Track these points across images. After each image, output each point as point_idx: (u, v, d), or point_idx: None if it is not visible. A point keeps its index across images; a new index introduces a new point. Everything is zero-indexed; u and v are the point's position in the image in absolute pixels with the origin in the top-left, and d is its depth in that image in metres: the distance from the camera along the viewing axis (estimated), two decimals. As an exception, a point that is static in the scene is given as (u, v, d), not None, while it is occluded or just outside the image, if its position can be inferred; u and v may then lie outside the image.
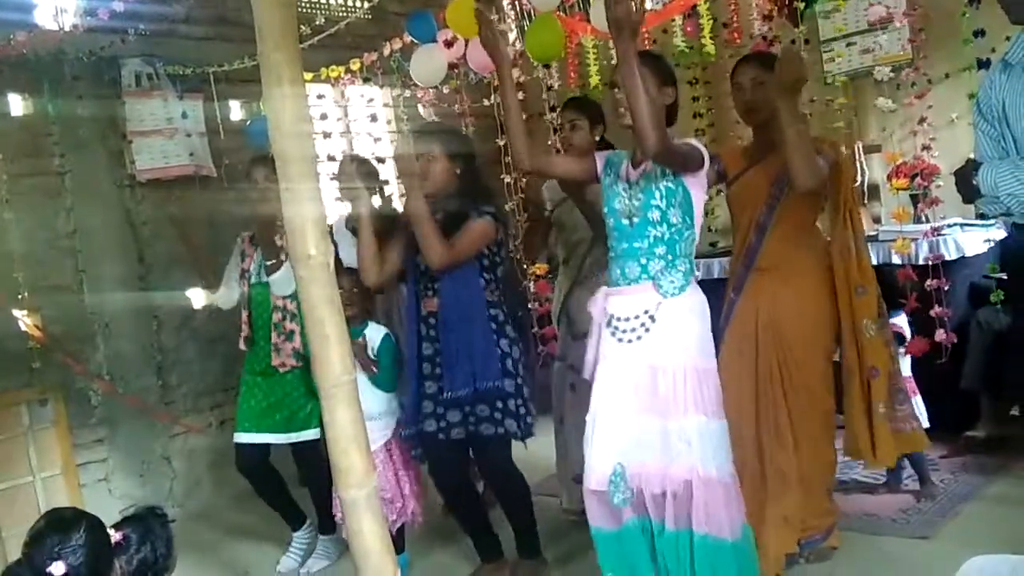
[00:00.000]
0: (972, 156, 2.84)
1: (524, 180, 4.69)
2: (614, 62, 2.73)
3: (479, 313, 3.28)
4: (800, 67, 2.97)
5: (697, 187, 2.82)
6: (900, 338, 3.75)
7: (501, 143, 5.09)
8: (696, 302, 2.83)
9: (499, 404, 3.26)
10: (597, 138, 3.68)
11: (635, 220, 2.81)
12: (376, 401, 3.50)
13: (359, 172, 4.28)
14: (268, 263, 3.89)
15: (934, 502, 3.68)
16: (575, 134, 3.70)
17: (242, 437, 3.89)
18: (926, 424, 3.74)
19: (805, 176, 2.96)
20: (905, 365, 3.79)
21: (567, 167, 3.17)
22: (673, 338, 2.76)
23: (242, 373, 4.04)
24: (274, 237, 3.78)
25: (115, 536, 1.92)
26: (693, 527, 2.72)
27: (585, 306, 3.04)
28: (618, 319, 2.83)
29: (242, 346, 3.98)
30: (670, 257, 2.80)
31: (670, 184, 2.78)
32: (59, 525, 1.86)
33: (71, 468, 4.51)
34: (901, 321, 3.76)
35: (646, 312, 2.78)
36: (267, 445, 3.90)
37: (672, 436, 2.71)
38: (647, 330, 2.77)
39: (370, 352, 3.54)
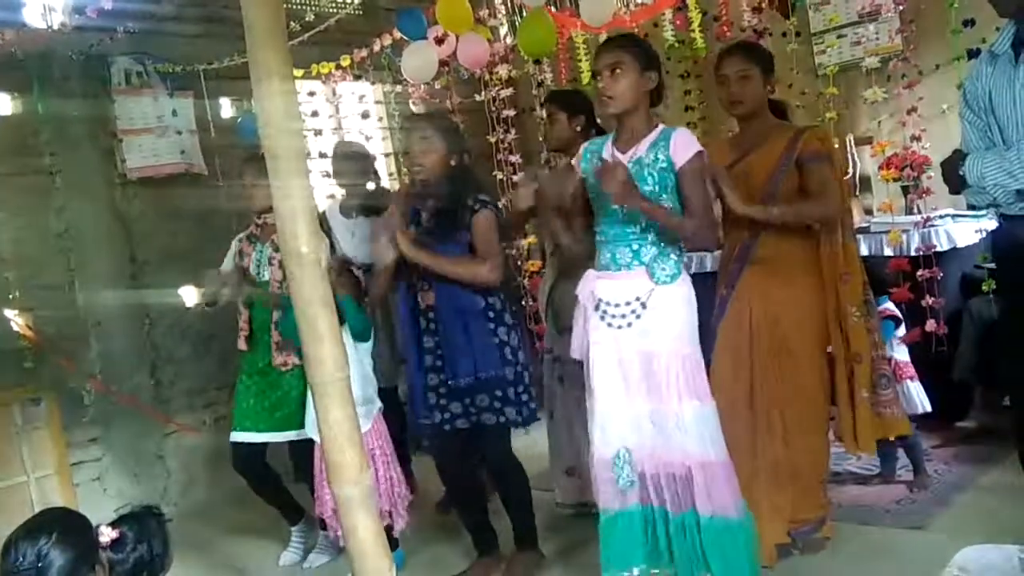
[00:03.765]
0: (959, 147, 2.85)
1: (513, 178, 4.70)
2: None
3: (476, 303, 3.28)
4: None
5: None
6: (896, 320, 3.76)
7: (492, 139, 5.11)
8: (687, 290, 2.83)
9: (498, 393, 3.26)
10: (578, 128, 3.67)
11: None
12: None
13: (353, 159, 4.28)
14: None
15: (927, 492, 3.69)
16: (553, 127, 3.76)
17: (239, 436, 3.87)
18: (927, 409, 3.76)
19: (829, 218, 3.17)
20: (903, 351, 3.80)
21: (580, 206, 3.05)
22: (664, 325, 2.77)
23: (239, 372, 4.02)
24: (273, 235, 3.76)
25: (111, 534, 1.92)
26: (699, 511, 2.73)
27: (570, 299, 3.05)
28: (607, 304, 2.83)
29: (242, 346, 3.94)
30: (662, 244, 2.80)
31: (663, 169, 2.78)
32: (26, 533, 1.84)
33: (65, 468, 4.48)
34: (890, 307, 3.78)
35: (637, 299, 2.78)
36: (264, 444, 3.88)
37: (669, 422, 2.73)
38: (638, 316, 2.78)
39: None
